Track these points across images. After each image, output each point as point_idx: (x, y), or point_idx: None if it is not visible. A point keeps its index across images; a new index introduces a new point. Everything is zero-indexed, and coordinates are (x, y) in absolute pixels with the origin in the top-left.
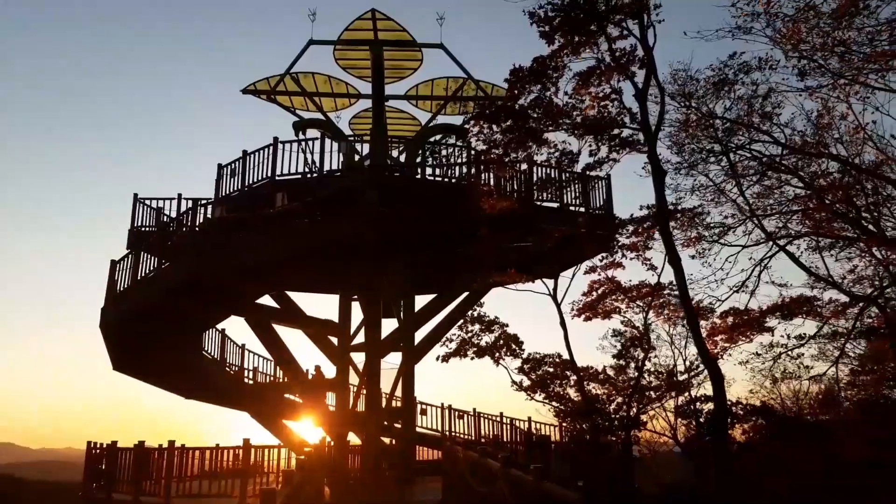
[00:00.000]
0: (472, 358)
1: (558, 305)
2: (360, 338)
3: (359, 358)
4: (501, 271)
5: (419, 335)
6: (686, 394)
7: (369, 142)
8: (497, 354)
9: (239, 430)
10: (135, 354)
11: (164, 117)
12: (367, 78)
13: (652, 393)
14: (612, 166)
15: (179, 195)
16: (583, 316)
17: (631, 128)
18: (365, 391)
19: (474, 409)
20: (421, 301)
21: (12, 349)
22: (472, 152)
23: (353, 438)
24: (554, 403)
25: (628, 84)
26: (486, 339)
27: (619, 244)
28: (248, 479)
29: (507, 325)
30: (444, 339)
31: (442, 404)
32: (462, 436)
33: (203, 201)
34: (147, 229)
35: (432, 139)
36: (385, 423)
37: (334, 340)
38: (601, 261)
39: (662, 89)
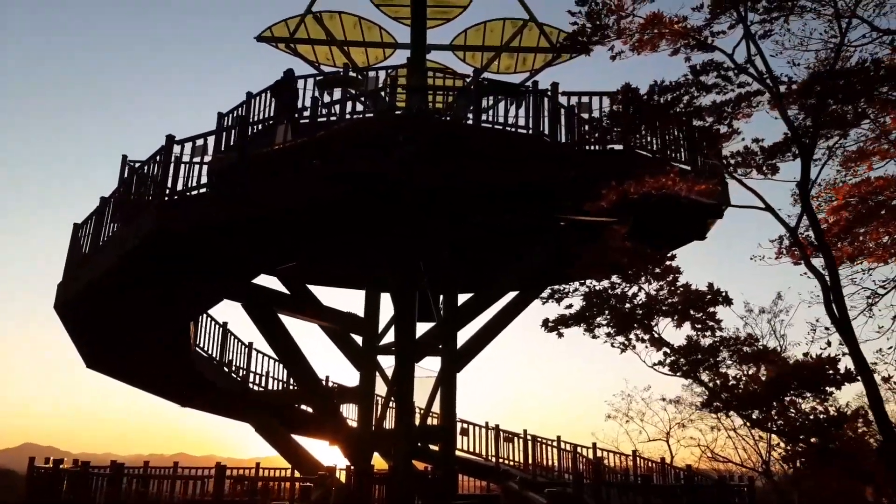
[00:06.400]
0: (619, 333)
1: (810, 212)
2: (389, 337)
3: (388, 362)
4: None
5: (463, 336)
6: None
7: (406, 96)
8: (651, 327)
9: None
10: (103, 346)
11: (166, 73)
12: (406, 20)
13: None
14: None
15: (177, 158)
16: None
17: None
18: (394, 403)
19: (525, 431)
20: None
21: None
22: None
23: (379, 461)
24: (772, 431)
25: None
26: (646, 290)
27: None
28: None
29: (680, 271)
30: (553, 290)
31: (486, 423)
32: (512, 463)
33: (177, 139)
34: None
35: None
36: (419, 443)
37: (358, 340)
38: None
39: None
